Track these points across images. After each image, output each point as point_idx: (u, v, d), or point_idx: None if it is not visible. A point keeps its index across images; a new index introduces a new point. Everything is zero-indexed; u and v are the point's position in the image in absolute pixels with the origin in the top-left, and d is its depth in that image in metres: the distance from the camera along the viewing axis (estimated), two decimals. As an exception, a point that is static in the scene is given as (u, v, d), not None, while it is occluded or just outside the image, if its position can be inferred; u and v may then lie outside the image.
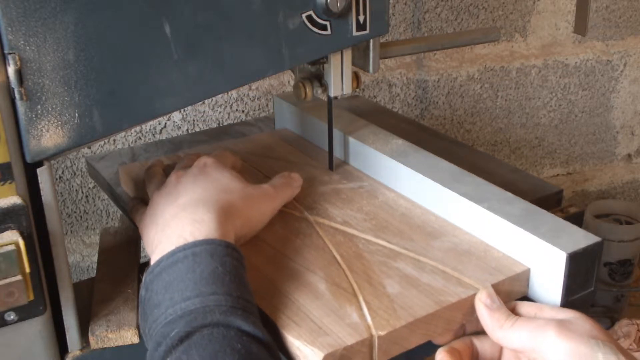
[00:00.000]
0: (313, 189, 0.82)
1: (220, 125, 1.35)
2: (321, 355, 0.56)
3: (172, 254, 0.59)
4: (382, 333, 0.58)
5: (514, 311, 0.61)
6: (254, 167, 0.88)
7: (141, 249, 0.79)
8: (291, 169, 0.82)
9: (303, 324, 0.60)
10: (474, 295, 0.63)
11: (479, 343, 0.60)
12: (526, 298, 0.68)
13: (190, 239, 0.60)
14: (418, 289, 0.63)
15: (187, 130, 1.32)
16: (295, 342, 0.58)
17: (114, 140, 1.26)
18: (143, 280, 0.60)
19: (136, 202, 0.77)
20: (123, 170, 0.86)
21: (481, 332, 0.63)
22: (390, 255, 0.69)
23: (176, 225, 0.62)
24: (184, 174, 0.71)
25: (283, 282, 0.65)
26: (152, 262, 0.61)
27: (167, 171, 0.78)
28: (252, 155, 0.91)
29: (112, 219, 1.34)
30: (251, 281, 0.61)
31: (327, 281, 0.65)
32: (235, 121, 1.35)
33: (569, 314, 0.58)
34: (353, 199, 0.80)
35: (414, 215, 0.76)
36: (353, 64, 0.79)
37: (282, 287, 0.64)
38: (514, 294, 0.66)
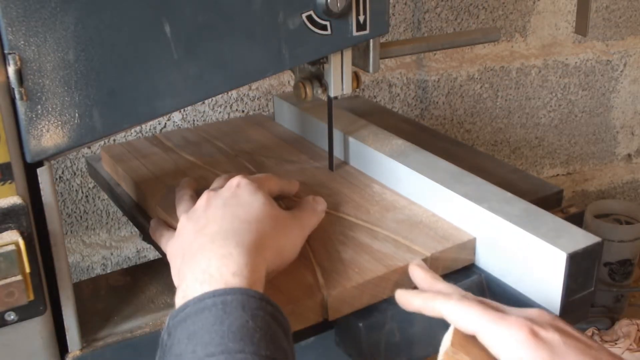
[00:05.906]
0: (280, 168, 0.87)
1: (220, 125, 1.34)
2: None
3: (200, 299, 0.54)
4: (332, 292, 0.64)
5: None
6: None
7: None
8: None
9: None
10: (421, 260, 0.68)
11: None
12: (472, 266, 0.72)
13: (216, 275, 0.56)
14: (370, 255, 0.69)
15: (187, 130, 1.32)
16: None
17: (114, 140, 1.26)
18: (166, 323, 0.55)
19: (159, 225, 0.73)
20: (104, 150, 0.90)
21: None
22: (347, 226, 0.74)
23: (202, 258, 0.58)
24: (215, 195, 0.66)
25: None
26: (176, 299, 0.57)
27: (198, 192, 0.72)
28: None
29: (112, 219, 1.34)
30: None
31: None
32: (235, 121, 1.34)
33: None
34: (319, 177, 0.84)
35: (372, 191, 0.81)
36: (353, 64, 0.79)
37: None
38: (460, 261, 0.72)
